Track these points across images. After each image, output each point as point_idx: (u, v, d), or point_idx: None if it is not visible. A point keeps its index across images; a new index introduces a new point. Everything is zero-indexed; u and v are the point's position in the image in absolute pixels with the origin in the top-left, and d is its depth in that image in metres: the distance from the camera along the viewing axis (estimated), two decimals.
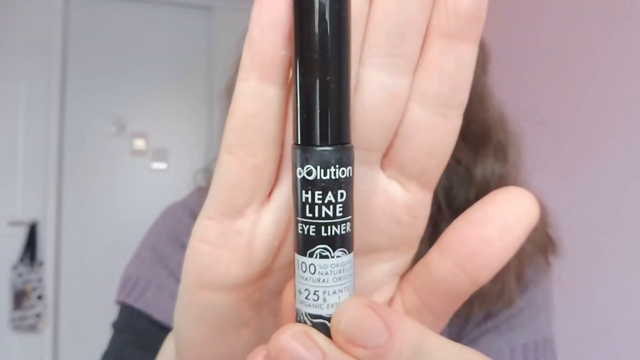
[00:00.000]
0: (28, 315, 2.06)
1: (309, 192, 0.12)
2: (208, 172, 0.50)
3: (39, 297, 2.08)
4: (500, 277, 0.38)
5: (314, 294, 0.13)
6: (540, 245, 0.42)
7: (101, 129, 2.26)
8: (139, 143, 2.29)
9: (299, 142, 0.13)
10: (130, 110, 2.29)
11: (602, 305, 1.10)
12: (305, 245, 0.13)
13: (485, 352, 0.37)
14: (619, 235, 1.07)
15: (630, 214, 1.05)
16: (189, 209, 0.48)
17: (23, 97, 2.15)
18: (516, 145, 0.42)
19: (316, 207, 0.12)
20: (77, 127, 2.23)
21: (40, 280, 2.09)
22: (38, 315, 2.07)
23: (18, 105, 2.15)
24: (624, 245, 1.06)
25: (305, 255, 0.13)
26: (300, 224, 0.13)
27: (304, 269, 0.13)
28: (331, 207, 0.12)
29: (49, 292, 2.13)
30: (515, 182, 0.41)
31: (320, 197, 0.12)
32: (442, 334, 0.16)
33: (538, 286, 0.42)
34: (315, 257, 0.13)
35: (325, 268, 0.13)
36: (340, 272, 0.13)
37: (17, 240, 2.11)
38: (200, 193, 0.49)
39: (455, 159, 0.39)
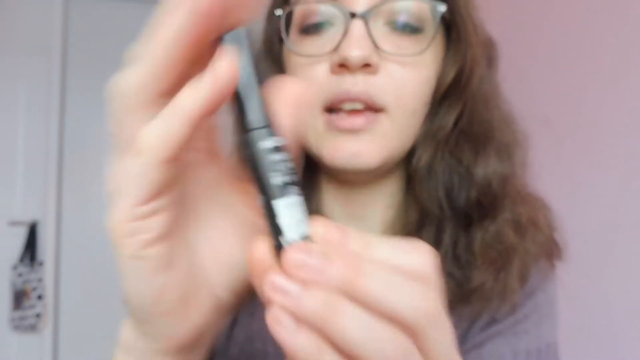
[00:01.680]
0: (28, 315, 2.06)
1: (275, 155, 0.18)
2: None
3: (39, 297, 2.08)
4: (502, 277, 0.38)
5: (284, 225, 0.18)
6: (545, 248, 0.42)
7: (101, 129, 2.26)
8: None
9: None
10: None
11: (604, 307, 1.10)
12: (277, 191, 0.18)
13: (489, 357, 0.37)
14: (622, 237, 1.07)
15: (633, 216, 1.05)
16: None
17: (23, 97, 2.15)
18: (521, 145, 0.41)
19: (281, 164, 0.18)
20: (77, 127, 2.23)
21: (40, 280, 2.09)
22: (38, 315, 2.07)
23: (18, 105, 2.15)
24: (627, 247, 1.06)
25: (277, 198, 0.18)
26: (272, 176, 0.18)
27: (275, 210, 0.18)
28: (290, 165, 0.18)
29: (49, 292, 2.13)
30: (518, 183, 0.41)
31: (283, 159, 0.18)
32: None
33: (543, 292, 0.42)
34: (284, 198, 0.18)
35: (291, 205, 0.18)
36: (301, 206, 0.18)
37: (17, 240, 2.11)
38: None
39: (456, 158, 0.39)
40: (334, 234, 0.18)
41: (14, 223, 2.11)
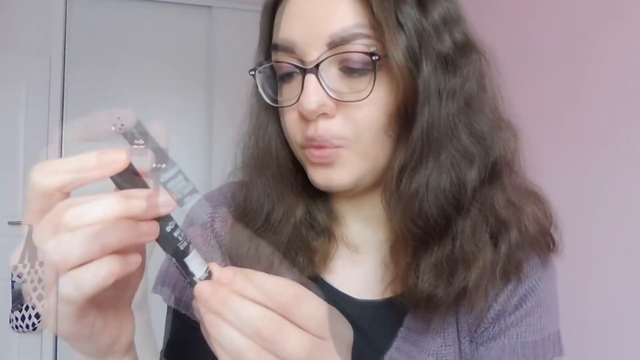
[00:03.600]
0: (28, 315, 2.06)
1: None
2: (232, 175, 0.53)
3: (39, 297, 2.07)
4: (454, 287, 0.41)
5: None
6: (542, 243, 0.45)
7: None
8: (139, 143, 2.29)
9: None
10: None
11: (606, 304, 1.10)
12: (183, 252, 0.30)
13: (501, 349, 0.44)
14: (621, 235, 1.07)
15: (633, 215, 1.05)
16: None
17: (23, 97, 2.15)
18: (503, 150, 0.42)
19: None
20: None
21: (40, 280, 2.08)
22: (38, 315, 2.07)
23: (18, 105, 2.15)
24: (628, 246, 1.06)
25: (185, 257, 0.30)
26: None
27: (186, 263, 0.30)
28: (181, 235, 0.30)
29: None
30: (499, 186, 0.42)
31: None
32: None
33: (544, 286, 0.45)
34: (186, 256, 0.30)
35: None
36: (198, 256, 0.31)
37: (17, 240, 2.10)
38: (226, 186, 0.53)
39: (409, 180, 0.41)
40: (226, 275, 0.30)
41: (14, 223, 2.11)
